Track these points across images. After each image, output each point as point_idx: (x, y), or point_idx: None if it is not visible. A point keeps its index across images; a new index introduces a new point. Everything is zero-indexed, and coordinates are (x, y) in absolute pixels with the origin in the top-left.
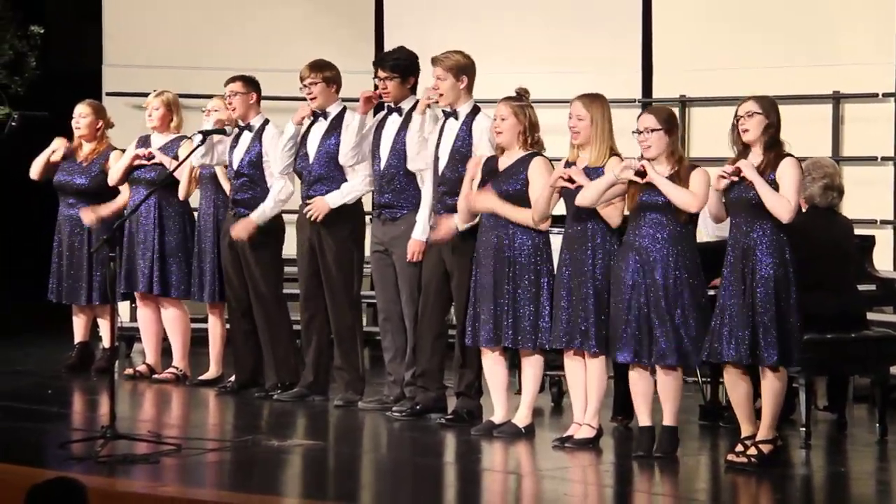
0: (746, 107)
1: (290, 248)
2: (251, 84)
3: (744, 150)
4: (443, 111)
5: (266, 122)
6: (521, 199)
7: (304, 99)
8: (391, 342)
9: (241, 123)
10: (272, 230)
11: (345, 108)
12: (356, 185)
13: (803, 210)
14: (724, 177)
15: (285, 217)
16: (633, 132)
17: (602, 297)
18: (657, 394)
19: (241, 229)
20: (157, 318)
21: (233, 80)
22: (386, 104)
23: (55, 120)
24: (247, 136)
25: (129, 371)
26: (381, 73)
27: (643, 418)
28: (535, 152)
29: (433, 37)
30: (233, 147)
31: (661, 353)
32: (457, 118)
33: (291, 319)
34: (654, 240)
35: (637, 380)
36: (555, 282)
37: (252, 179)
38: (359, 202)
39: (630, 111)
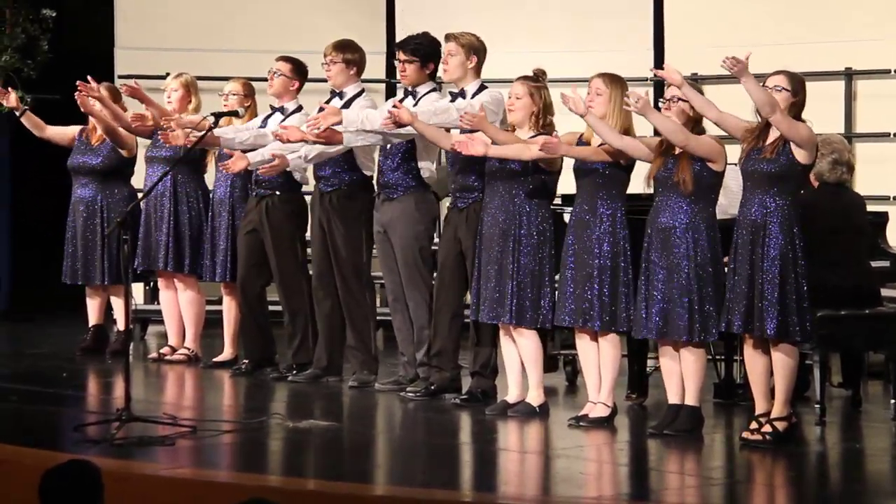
0: (775, 80)
1: None
2: (298, 71)
3: (766, 121)
4: (450, 92)
5: (299, 108)
6: (526, 176)
7: (318, 80)
8: (402, 322)
9: (277, 104)
10: (291, 210)
11: (362, 91)
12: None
13: (814, 186)
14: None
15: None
16: (661, 100)
17: (607, 275)
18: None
19: (238, 160)
20: (178, 300)
21: (284, 59)
22: (402, 87)
23: (67, 103)
24: (277, 119)
25: (154, 355)
26: (402, 56)
27: (672, 396)
28: (545, 133)
29: (445, 17)
30: (262, 127)
31: (679, 330)
32: (464, 97)
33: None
34: (673, 216)
35: (667, 359)
36: (561, 261)
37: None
38: (369, 183)
39: (642, 89)
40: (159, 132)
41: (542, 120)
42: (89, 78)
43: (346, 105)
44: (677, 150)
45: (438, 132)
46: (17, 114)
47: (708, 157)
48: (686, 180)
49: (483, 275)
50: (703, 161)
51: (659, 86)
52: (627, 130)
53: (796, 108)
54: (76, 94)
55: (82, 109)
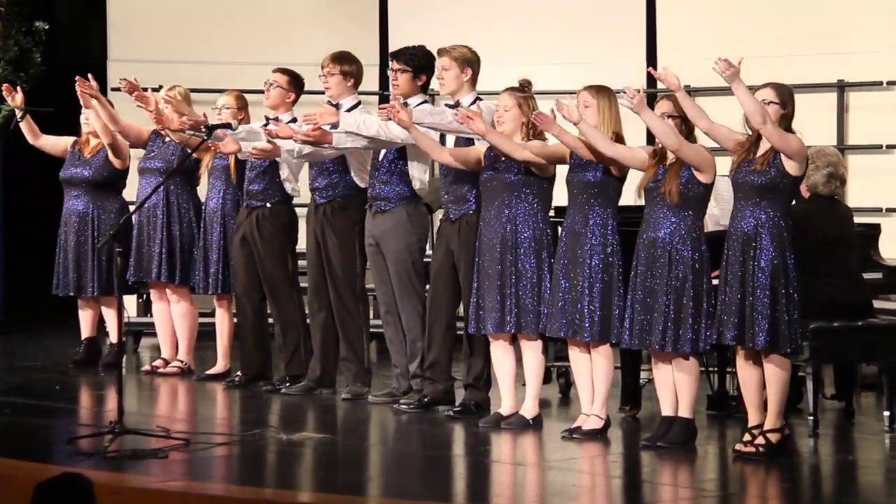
0: (763, 94)
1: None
2: (295, 84)
3: (757, 134)
4: (446, 104)
5: (293, 120)
6: (522, 186)
7: (312, 92)
8: (395, 334)
9: (272, 115)
10: (282, 222)
11: (359, 103)
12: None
13: (803, 196)
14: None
15: (299, 211)
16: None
17: (598, 287)
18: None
19: (230, 142)
20: (171, 312)
21: (281, 71)
22: (393, 97)
23: (60, 116)
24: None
25: (147, 367)
26: (395, 65)
27: (665, 408)
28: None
29: (438, 29)
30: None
31: (658, 340)
32: None
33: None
34: (660, 228)
35: (660, 370)
36: (553, 272)
37: (265, 171)
38: (363, 195)
39: None
40: (153, 114)
41: (532, 129)
42: (89, 76)
43: None
44: (668, 161)
45: (433, 142)
46: (19, 115)
47: (698, 166)
48: (672, 191)
49: (483, 287)
50: (692, 172)
51: (650, 99)
52: (618, 139)
53: (786, 120)
54: (76, 85)
55: (81, 102)
